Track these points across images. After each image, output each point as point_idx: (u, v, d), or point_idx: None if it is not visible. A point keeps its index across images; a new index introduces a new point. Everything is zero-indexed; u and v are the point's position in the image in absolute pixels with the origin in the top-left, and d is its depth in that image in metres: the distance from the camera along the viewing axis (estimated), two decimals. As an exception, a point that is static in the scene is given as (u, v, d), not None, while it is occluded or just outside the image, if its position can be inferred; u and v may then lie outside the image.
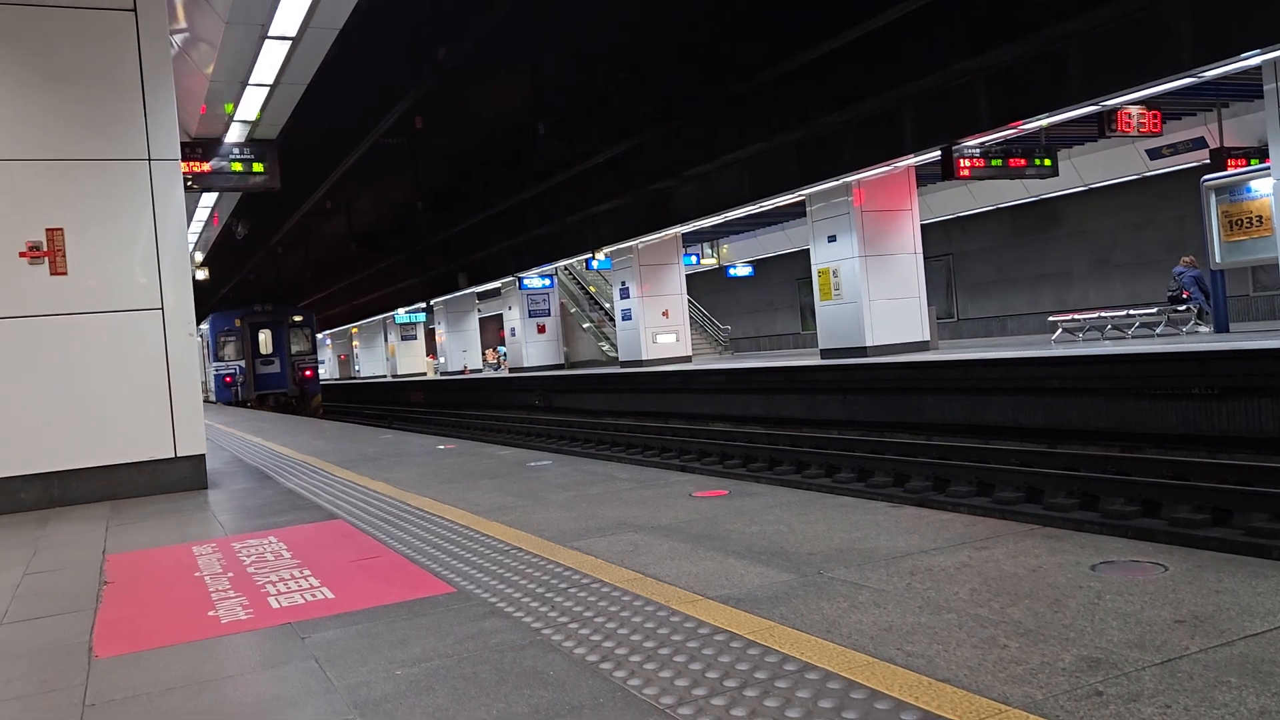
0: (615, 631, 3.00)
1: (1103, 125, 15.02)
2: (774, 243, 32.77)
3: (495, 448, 9.73)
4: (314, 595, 3.82)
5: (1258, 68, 12.70)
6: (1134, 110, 15.01)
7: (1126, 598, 2.94)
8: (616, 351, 28.66)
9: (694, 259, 33.71)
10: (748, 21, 14.43)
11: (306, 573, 4.23)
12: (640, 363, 25.98)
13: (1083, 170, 22.17)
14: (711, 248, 35.16)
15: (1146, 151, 20.85)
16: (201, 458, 7.75)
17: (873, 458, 11.01)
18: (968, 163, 16.13)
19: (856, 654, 2.63)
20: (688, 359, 26.72)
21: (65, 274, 7.25)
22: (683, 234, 26.42)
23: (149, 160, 7.54)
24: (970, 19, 12.78)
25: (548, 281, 31.80)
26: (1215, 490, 7.49)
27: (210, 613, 3.67)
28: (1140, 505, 7.77)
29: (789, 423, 17.36)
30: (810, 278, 20.45)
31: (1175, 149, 20.31)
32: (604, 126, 18.40)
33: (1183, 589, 2.99)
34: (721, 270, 35.73)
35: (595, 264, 27.27)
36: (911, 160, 17.41)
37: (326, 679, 2.80)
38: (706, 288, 37.24)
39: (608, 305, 32.90)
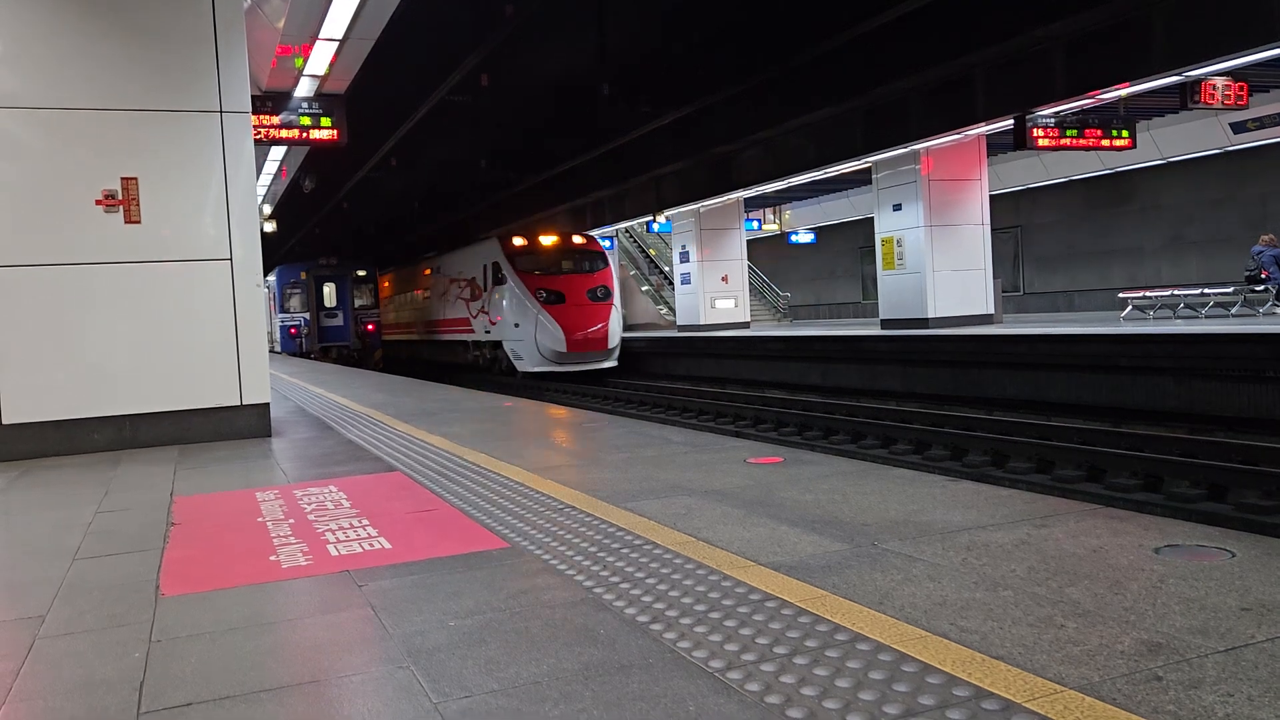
0: (666, 593, 3.01)
1: (1185, 97, 14.49)
2: (838, 209, 32.34)
3: (551, 406, 9.80)
4: (372, 545, 3.89)
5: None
6: (1219, 81, 14.45)
7: (1191, 582, 2.87)
8: (674, 315, 28.61)
9: (755, 224, 33.41)
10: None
11: (365, 522, 4.32)
12: (698, 327, 25.92)
13: (1161, 143, 21.47)
14: (774, 213, 34.81)
15: (1230, 125, 20.11)
16: (266, 406, 7.93)
17: (931, 430, 10.88)
18: (1041, 132, 15.71)
19: (909, 627, 2.61)
20: (746, 325, 26.59)
21: (139, 222, 7.42)
22: (745, 199, 26.19)
23: (220, 113, 7.65)
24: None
25: (608, 243, 31.79)
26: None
27: (271, 557, 3.77)
28: (1206, 489, 7.58)
29: (846, 392, 17.21)
30: (873, 246, 20.16)
31: (1261, 123, 19.55)
32: (669, 89, 18.22)
33: (1250, 576, 2.91)
34: (783, 236, 35.39)
35: (656, 227, 27.17)
36: (983, 129, 17.00)
37: (382, 626, 2.86)
38: (767, 253, 36.92)
39: (667, 269, 32.83)
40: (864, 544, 3.51)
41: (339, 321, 32.15)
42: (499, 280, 22.97)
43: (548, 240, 23.18)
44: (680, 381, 21.82)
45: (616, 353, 22.58)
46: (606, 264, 23.54)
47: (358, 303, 32.50)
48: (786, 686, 2.26)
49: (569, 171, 24.53)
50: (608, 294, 22.55)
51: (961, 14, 13.57)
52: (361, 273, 32.97)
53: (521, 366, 22.28)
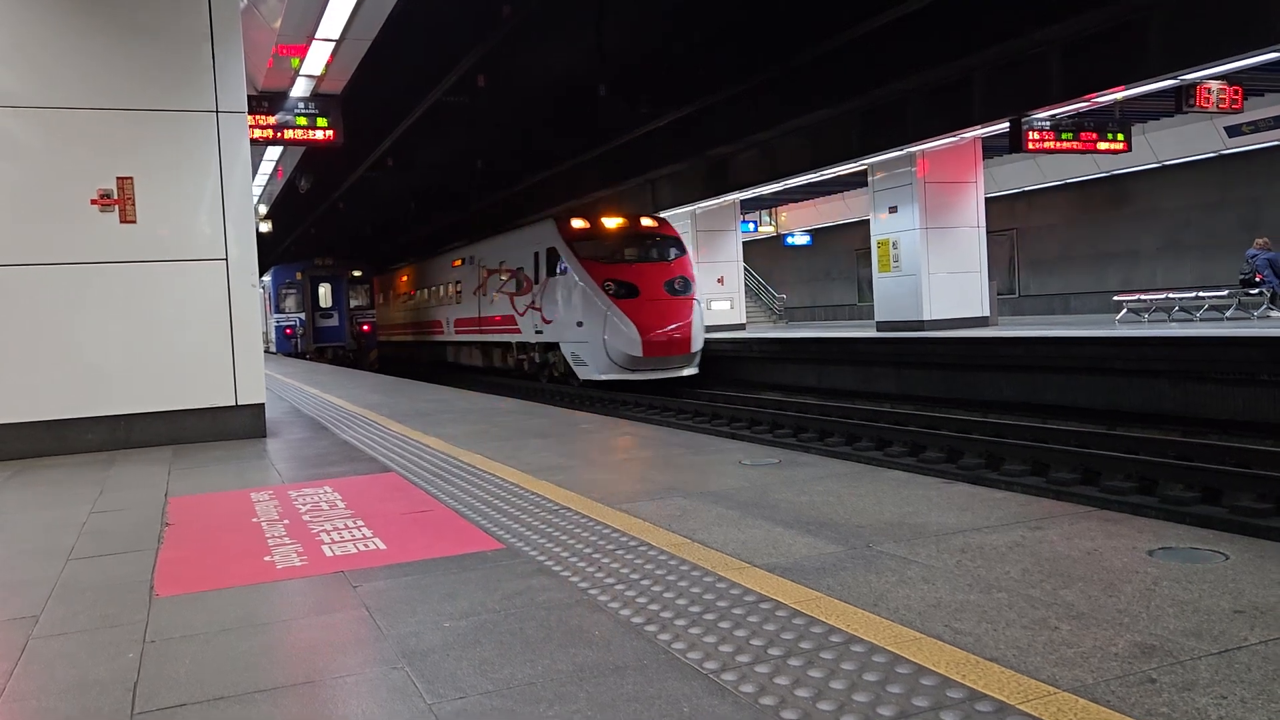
0: (661, 595, 3.02)
1: (1180, 100, 14.52)
2: (834, 211, 32.36)
3: (547, 407, 9.80)
4: (366, 545, 3.89)
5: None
6: (1214, 85, 14.48)
7: (1184, 585, 2.88)
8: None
9: (751, 226, 33.42)
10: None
11: (359, 523, 4.31)
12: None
13: (1156, 146, 21.51)
14: (770, 215, 34.82)
15: (1225, 128, 20.17)
16: (261, 407, 7.91)
17: (925, 433, 10.89)
18: (1037, 136, 15.74)
19: (903, 629, 2.62)
20: (741, 326, 26.60)
21: (134, 222, 7.40)
22: (741, 200, 26.18)
23: (217, 112, 7.64)
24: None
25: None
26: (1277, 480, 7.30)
27: (266, 558, 3.76)
28: (1201, 492, 7.60)
29: (841, 394, 17.21)
30: (869, 249, 20.17)
31: (1256, 126, 19.60)
32: (666, 90, 18.23)
33: (1243, 579, 2.91)
34: (779, 238, 35.40)
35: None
36: (979, 131, 17.03)
37: (377, 627, 2.86)
38: (763, 255, 36.94)
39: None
40: (859, 546, 3.51)
41: (334, 322, 32.12)
42: (556, 270, 19.12)
43: (613, 223, 19.29)
44: (676, 382, 21.77)
45: (699, 357, 18.94)
46: (684, 251, 19.75)
47: (353, 303, 32.47)
48: (781, 688, 2.26)
49: (565, 173, 24.52)
50: (688, 286, 18.65)
51: (962, 15, 13.58)
52: (357, 273, 32.94)
53: (584, 373, 18.49)
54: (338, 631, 2.87)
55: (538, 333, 20.08)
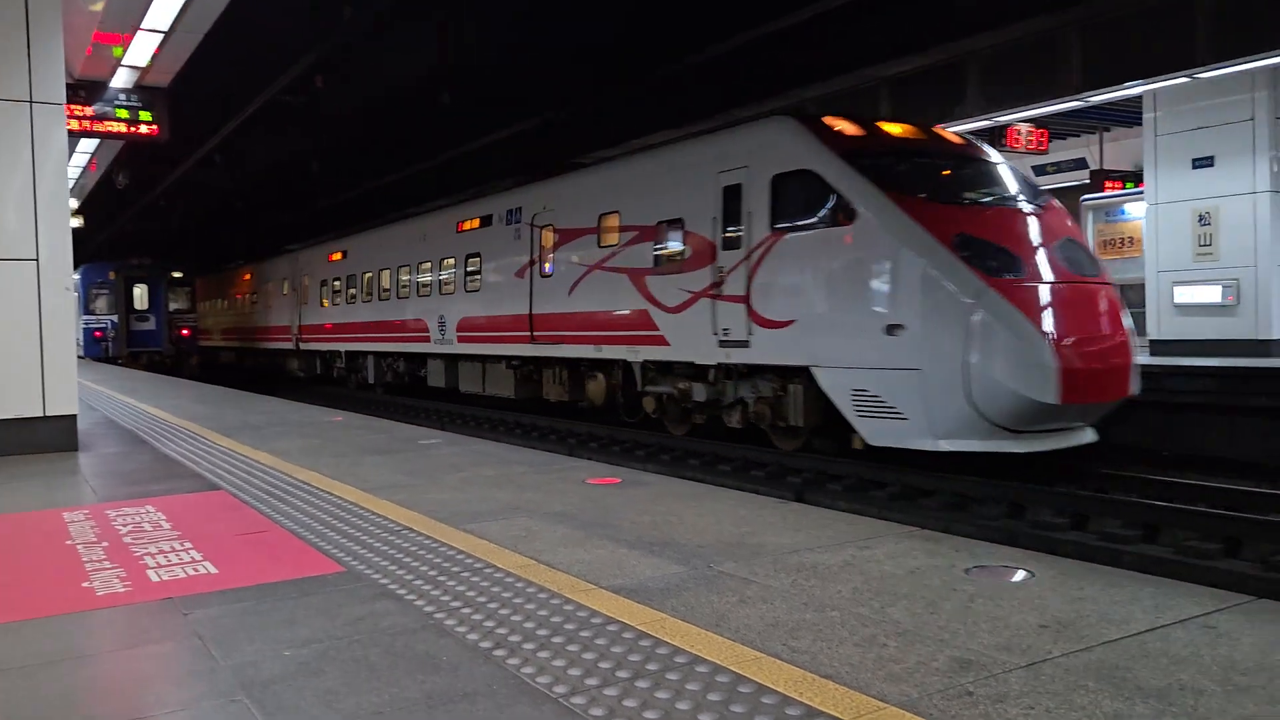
0: (508, 618, 3.03)
1: (994, 139, 15.64)
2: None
3: (386, 421, 9.59)
4: (196, 569, 3.72)
5: (1138, 97, 13.45)
6: (1024, 128, 15.68)
7: (997, 601, 3.12)
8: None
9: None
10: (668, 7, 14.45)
11: (188, 545, 4.12)
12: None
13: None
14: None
15: (1033, 168, 21.77)
16: (73, 418, 7.42)
17: (759, 450, 11.20)
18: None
19: (744, 649, 2.72)
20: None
21: (-69, 216, 6.82)
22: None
23: (30, 103, 7.13)
24: (881, 26, 13.09)
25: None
26: (1074, 496, 7.92)
27: (85, 584, 3.54)
28: (1007, 507, 8.15)
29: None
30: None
31: (1059, 167, 21.25)
32: (513, 101, 18.18)
33: (1048, 595, 3.18)
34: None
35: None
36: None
37: (211, 657, 2.75)
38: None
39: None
40: (700, 566, 3.62)
41: (151, 325, 30.34)
42: (803, 216, 9.18)
43: (917, 134, 9.77)
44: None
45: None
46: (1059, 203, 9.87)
47: (172, 306, 30.78)
48: (629, 710, 2.32)
49: (405, 179, 24.05)
50: (1096, 262, 9.14)
51: (798, 47, 14.13)
52: (177, 274, 31.26)
53: (891, 434, 8.46)
54: (168, 663, 2.75)
55: (730, 344, 9.75)
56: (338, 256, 21.72)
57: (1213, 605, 3.04)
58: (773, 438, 10.19)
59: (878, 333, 8.28)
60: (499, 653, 2.72)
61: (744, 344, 9.58)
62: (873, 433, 8.53)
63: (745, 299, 9.52)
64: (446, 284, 16.25)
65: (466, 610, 3.12)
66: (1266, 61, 11.02)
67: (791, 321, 9.08)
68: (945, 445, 8.13)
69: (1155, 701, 2.30)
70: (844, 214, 8.68)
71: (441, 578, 3.51)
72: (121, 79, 12.38)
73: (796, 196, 9.24)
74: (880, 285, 8.39)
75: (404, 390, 19.17)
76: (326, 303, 21.89)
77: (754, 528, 4.25)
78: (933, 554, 3.74)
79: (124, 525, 4.57)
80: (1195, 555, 6.27)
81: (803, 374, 9.12)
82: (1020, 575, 3.42)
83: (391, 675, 2.57)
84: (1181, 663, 2.55)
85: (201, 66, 12.80)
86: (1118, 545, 6.64)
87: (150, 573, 3.69)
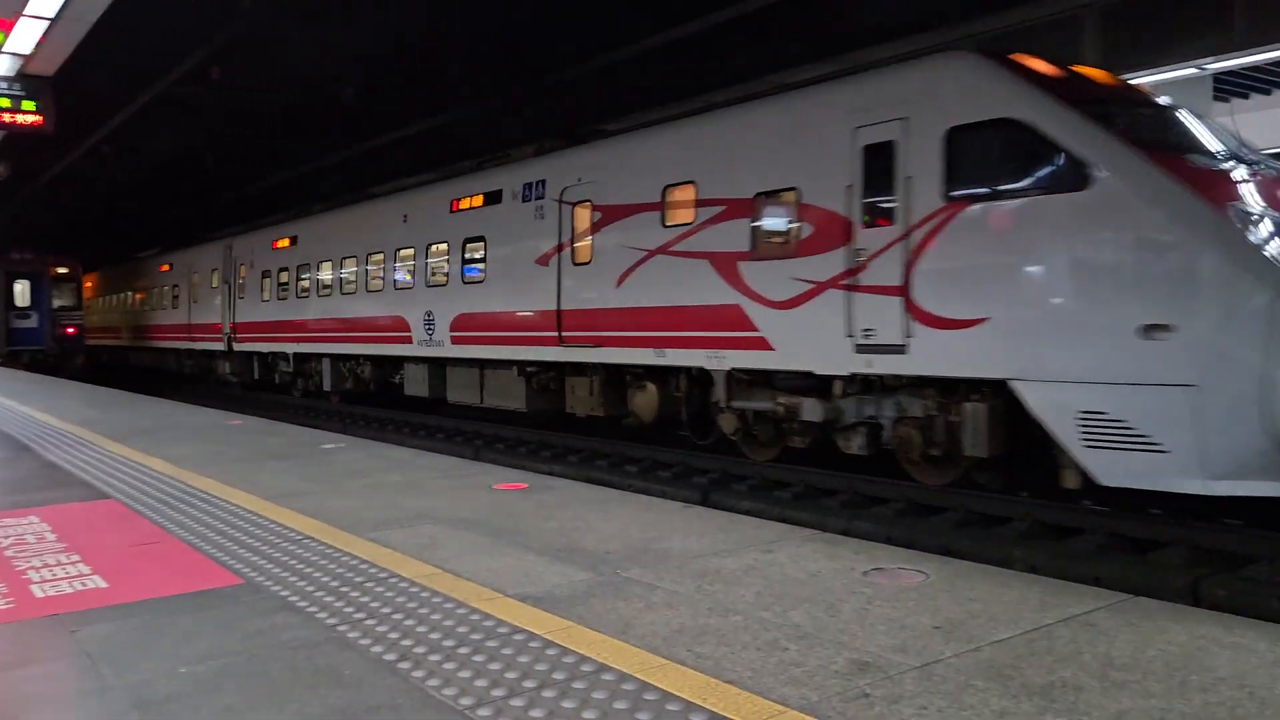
0: (414, 629, 3.00)
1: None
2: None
3: (286, 425, 9.38)
4: (85, 584, 3.59)
5: None
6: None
7: (893, 604, 3.22)
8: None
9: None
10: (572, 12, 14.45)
11: (75, 558, 3.97)
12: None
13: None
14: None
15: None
16: (-52, 423, 7.06)
17: (667, 450, 11.28)
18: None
19: (650, 655, 2.76)
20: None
21: None
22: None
23: (-97, 90, 6.77)
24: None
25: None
26: (976, 497, 8.19)
27: (-37, 601, 3.39)
28: (906, 506, 8.37)
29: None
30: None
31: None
32: (418, 98, 17.94)
33: (941, 596, 3.30)
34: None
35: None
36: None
37: (101, 677, 2.66)
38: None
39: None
40: (607, 572, 3.65)
41: (33, 323, 29.01)
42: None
43: (1135, 91, 7.75)
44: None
45: None
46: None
47: (57, 303, 29.45)
48: (535, 721, 2.33)
49: (307, 174, 23.51)
50: None
51: (704, 52, 14.25)
52: (63, 270, 29.91)
53: (1141, 472, 6.21)
54: (55, 683, 2.65)
55: (874, 348, 7.58)
56: (285, 243, 18.56)
57: (1094, 604, 3.20)
58: (912, 470, 8.03)
59: (1128, 335, 6.17)
60: (404, 665, 2.70)
61: (898, 349, 7.35)
62: (1108, 468, 6.33)
63: (902, 290, 7.30)
64: (436, 274, 13.37)
65: (370, 622, 3.08)
66: None
67: (981, 320, 6.89)
68: (1223, 488, 6.02)
69: (1039, 699, 2.42)
70: (1074, 177, 6.57)
71: (344, 588, 3.46)
72: (3, 66, 11.84)
73: (989, 155, 7.13)
74: (1133, 271, 6.28)
75: (365, 399, 17.05)
76: (269, 296, 18.75)
77: (660, 532, 4.30)
78: (833, 557, 3.84)
79: (5, 538, 4.38)
80: (1073, 557, 6.50)
81: (989, 389, 7.02)
82: (916, 577, 3.54)
83: (293, 691, 2.53)
84: (1064, 660, 2.68)
85: (91, 56, 12.31)
86: (1008, 546, 6.87)
87: (35, 588, 3.54)
